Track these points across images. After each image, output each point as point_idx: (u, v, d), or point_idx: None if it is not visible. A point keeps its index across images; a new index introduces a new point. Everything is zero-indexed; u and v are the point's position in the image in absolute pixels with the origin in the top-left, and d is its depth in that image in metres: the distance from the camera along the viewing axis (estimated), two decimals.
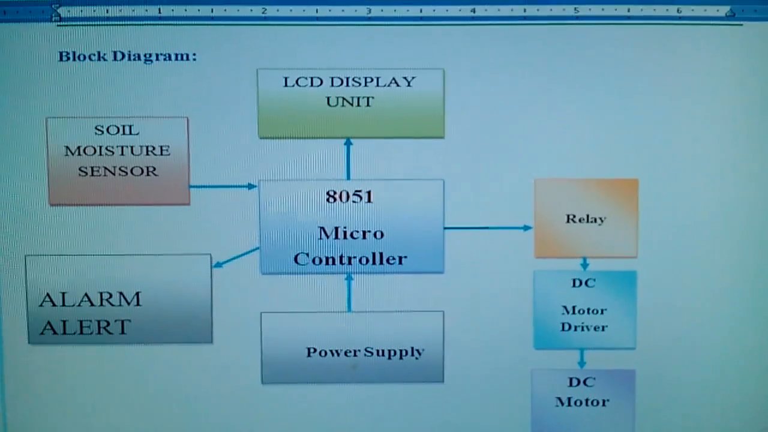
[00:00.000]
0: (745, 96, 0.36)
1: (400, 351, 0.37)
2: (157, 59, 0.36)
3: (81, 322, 0.36)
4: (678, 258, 0.37)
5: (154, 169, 0.36)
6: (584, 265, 0.37)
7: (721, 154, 0.36)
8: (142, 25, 0.36)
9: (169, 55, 0.36)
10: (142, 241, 0.36)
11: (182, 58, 0.36)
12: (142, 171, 0.36)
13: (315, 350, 0.37)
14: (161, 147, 0.36)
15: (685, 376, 0.37)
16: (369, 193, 0.36)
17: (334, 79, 0.36)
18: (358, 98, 0.36)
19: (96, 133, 0.36)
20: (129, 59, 0.36)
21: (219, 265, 0.36)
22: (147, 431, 0.37)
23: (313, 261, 0.36)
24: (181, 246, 0.36)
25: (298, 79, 0.36)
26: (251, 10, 0.36)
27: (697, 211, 0.36)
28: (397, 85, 0.36)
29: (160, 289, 0.36)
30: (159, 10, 0.36)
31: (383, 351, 0.37)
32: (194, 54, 0.36)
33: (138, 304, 0.36)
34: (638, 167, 0.36)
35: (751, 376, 0.37)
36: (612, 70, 0.36)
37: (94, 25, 0.36)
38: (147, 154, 0.36)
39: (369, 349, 0.37)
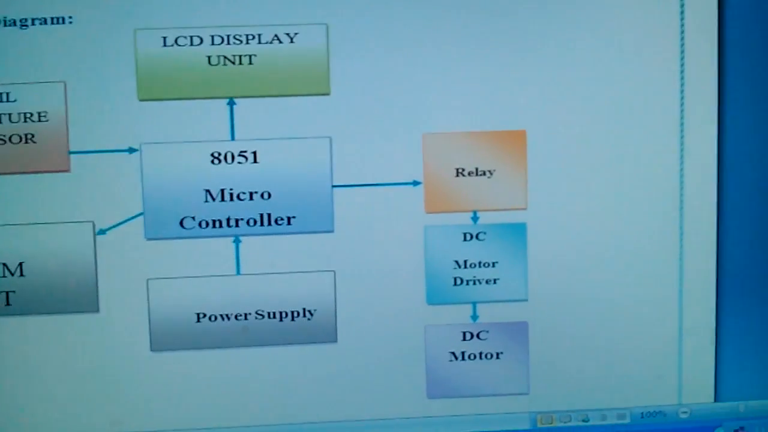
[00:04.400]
0: (632, 43, 0.36)
1: (292, 312, 0.36)
2: (33, 24, 0.35)
3: None
4: (567, 208, 0.36)
5: (33, 136, 0.35)
6: (474, 219, 0.36)
7: (609, 104, 0.36)
8: None
9: (45, 19, 0.35)
10: (23, 210, 0.35)
11: (58, 22, 0.35)
12: (21, 139, 0.35)
13: (204, 315, 0.36)
14: (39, 113, 0.35)
15: (577, 326, 0.37)
16: (255, 153, 0.36)
17: (215, 38, 0.35)
18: (240, 56, 0.35)
19: None
20: (4, 25, 0.35)
21: (102, 232, 0.35)
22: (35, 403, 0.36)
23: (200, 224, 0.36)
24: (63, 214, 0.35)
25: (177, 39, 0.35)
26: None
27: (584, 160, 0.36)
28: (280, 42, 0.35)
29: (43, 258, 0.35)
30: None
31: (274, 313, 0.36)
32: (70, 17, 0.35)
33: (22, 275, 0.35)
34: (526, 119, 0.36)
35: (642, 323, 0.37)
36: (498, 20, 0.36)
37: None
38: (25, 121, 0.35)
39: (260, 312, 0.36)
